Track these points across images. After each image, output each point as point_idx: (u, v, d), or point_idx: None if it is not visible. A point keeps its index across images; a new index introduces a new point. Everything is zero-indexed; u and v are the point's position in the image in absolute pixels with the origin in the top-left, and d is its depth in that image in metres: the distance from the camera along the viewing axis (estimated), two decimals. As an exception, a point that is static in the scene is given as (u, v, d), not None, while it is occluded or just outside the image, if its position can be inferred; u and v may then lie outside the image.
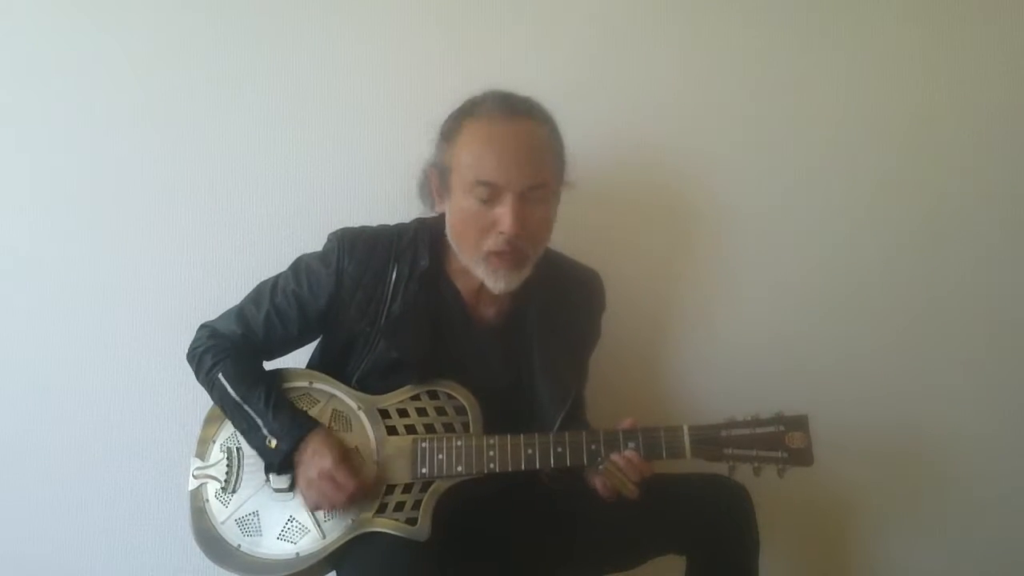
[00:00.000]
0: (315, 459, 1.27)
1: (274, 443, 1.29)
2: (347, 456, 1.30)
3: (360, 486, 1.28)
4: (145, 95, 1.70)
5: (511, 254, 1.28)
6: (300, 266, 1.40)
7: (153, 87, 1.70)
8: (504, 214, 1.25)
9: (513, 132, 1.27)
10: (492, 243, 1.28)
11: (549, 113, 1.33)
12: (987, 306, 1.80)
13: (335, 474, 1.26)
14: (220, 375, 1.34)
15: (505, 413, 1.34)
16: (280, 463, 1.30)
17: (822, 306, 1.79)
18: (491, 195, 1.26)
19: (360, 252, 1.36)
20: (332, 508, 1.28)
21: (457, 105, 1.34)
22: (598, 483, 1.31)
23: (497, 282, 1.31)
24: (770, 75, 1.76)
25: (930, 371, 1.80)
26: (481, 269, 1.31)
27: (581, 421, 1.46)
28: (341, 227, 1.40)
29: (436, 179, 1.34)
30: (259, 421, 1.30)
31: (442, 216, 1.37)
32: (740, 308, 1.77)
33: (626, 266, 1.68)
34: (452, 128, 1.31)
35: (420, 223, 1.42)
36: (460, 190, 1.28)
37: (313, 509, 1.30)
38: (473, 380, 1.35)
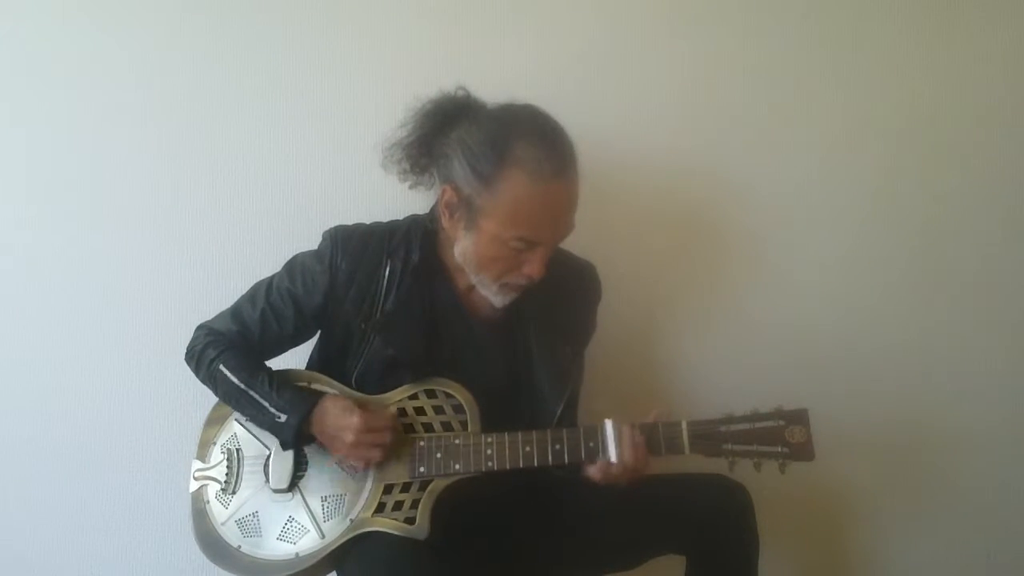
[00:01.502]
0: (342, 422, 1.28)
1: (283, 418, 1.30)
2: (365, 406, 1.31)
3: (395, 423, 1.30)
4: (145, 95, 1.70)
5: (525, 285, 1.30)
6: (295, 264, 1.41)
7: (153, 87, 1.70)
8: (535, 262, 1.26)
9: (557, 193, 1.24)
10: (512, 278, 1.29)
11: (572, 142, 1.28)
12: (988, 304, 1.80)
13: (370, 423, 1.27)
14: (221, 366, 1.35)
15: (504, 413, 1.34)
16: (293, 437, 1.31)
17: (822, 302, 1.79)
18: (526, 246, 1.25)
19: (354, 249, 1.36)
20: (383, 456, 1.29)
21: (489, 119, 1.28)
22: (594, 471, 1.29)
23: (503, 301, 1.33)
24: (770, 74, 1.76)
25: (931, 368, 1.80)
26: (490, 291, 1.32)
27: (573, 421, 1.44)
28: (335, 224, 1.40)
29: (457, 206, 1.28)
30: (265, 402, 1.31)
31: (434, 211, 1.37)
32: (739, 304, 1.77)
33: (626, 263, 1.69)
34: (491, 172, 1.22)
35: (413, 220, 1.42)
36: (491, 234, 1.25)
37: (363, 468, 1.30)
38: (471, 377, 1.34)
